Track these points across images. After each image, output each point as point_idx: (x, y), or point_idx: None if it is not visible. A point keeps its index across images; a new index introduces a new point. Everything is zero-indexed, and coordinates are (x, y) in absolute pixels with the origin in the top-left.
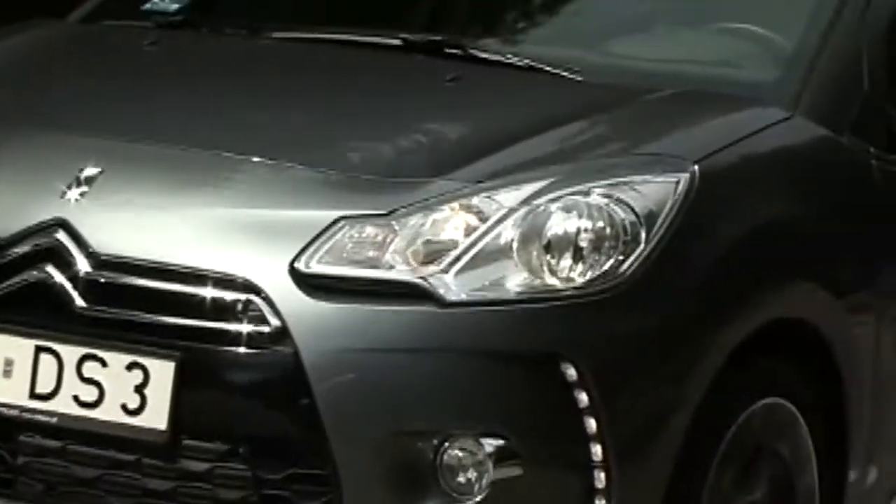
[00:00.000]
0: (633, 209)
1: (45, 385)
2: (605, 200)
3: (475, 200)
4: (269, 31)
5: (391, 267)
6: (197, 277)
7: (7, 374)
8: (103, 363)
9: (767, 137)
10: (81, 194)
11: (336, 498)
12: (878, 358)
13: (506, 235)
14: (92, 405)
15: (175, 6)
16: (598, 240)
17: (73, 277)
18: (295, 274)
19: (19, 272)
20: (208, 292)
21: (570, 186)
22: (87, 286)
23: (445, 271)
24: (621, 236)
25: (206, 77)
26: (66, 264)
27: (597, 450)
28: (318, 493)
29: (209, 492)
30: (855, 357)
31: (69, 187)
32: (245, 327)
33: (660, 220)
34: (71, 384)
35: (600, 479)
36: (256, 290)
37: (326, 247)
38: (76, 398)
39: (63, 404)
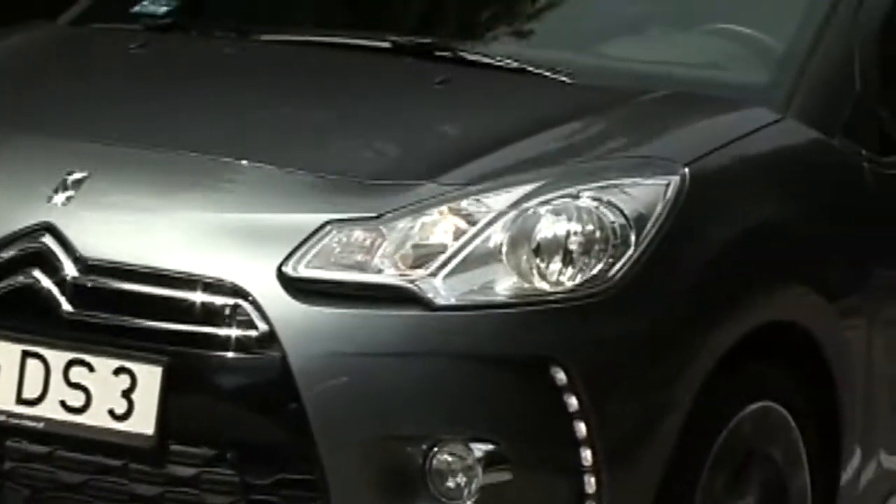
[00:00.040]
0: (622, 212)
1: (31, 390)
2: (595, 203)
3: (464, 204)
4: (258, 33)
5: (380, 271)
6: (184, 282)
7: None
8: (90, 368)
9: (758, 140)
10: (68, 198)
11: (324, 503)
12: (869, 360)
13: (495, 239)
14: (79, 410)
15: (164, 9)
16: (587, 243)
17: (60, 282)
18: (283, 278)
19: (6, 277)
20: (196, 296)
21: (559, 189)
22: (73, 291)
23: (434, 275)
24: (611, 239)
25: (193, 80)
26: (52, 269)
27: (587, 454)
28: (307, 498)
29: (196, 497)
30: (847, 360)
31: (56, 191)
32: (233, 331)
33: (650, 224)
34: (58, 389)
35: (590, 483)
36: (244, 295)
37: (314, 251)
38: (63, 403)
39: (50, 409)
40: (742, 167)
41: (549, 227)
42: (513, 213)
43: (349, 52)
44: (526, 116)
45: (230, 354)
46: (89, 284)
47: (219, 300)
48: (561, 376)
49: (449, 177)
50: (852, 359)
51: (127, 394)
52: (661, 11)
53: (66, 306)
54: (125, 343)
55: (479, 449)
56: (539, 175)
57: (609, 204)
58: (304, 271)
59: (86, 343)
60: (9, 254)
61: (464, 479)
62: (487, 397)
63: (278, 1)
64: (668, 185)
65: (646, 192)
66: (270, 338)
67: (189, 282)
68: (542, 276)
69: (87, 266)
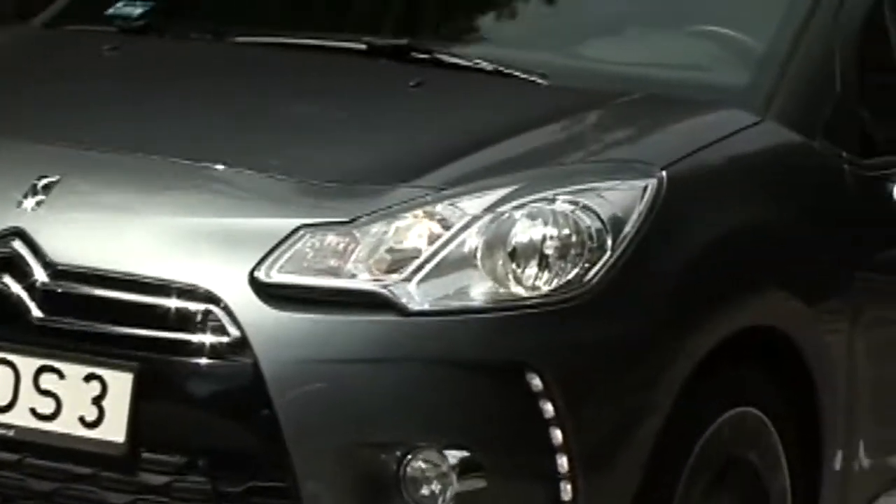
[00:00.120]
0: (599, 216)
1: (1, 397)
2: (571, 207)
3: (439, 208)
4: (233, 35)
5: (353, 276)
6: (155, 287)
7: None
8: (60, 375)
9: (737, 142)
10: (38, 203)
11: None
12: (851, 364)
13: (470, 243)
14: (49, 417)
15: (138, 11)
16: (563, 247)
17: (30, 287)
18: (255, 283)
19: None
20: (167, 302)
21: (534, 193)
22: (43, 296)
23: (408, 280)
24: (587, 244)
25: (167, 83)
26: (22, 274)
27: (563, 461)
28: None
29: None
30: (827, 363)
31: (26, 196)
32: (204, 338)
33: (626, 227)
34: (28, 396)
35: (566, 490)
36: (216, 300)
37: (287, 256)
38: (33, 410)
39: (20, 417)
40: (720, 170)
41: (524, 231)
42: (488, 218)
43: (324, 53)
44: (501, 119)
45: (202, 361)
46: (59, 290)
47: (190, 306)
48: (536, 382)
49: (423, 180)
50: (833, 362)
51: (98, 401)
52: (640, 12)
53: (36, 312)
54: (96, 349)
55: (454, 456)
56: (514, 178)
57: (585, 208)
58: (276, 276)
59: (56, 349)
60: None
61: (438, 487)
62: (462, 404)
63: (254, 3)
64: (644, 189)
65: (622, 196)
66: (242, 344)
67: (160, 287)
68: (518, 281)
69: (57, 271)
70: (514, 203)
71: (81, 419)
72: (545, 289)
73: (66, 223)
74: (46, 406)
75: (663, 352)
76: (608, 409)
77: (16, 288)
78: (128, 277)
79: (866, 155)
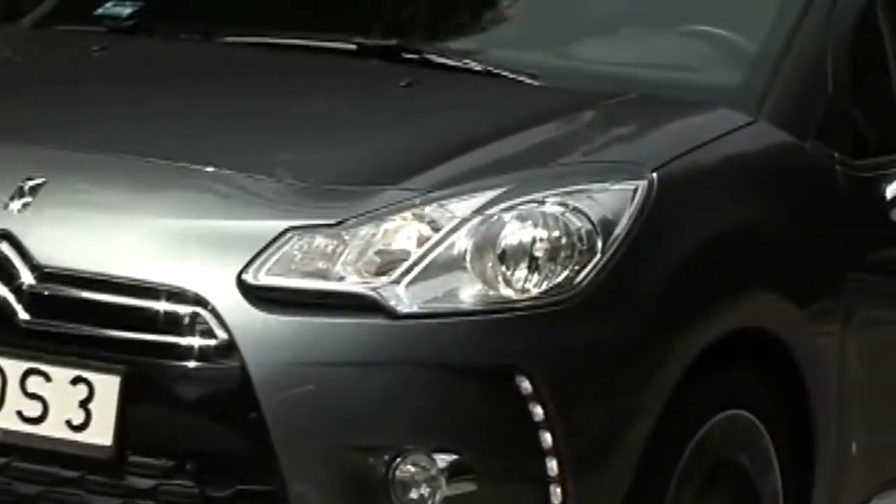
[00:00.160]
0: (589, 218)
1: None
2: (561, 209)
3: (428, 210)
4: (223, 35)
5: (341, 278)
6: (143, 290)
7: None
8: (47, 378)
9: (728, 143)
10: (25, 205)
11: None
12: (843, 366)
13: (459, 246)
14: (36, 421)
15: (127, 11)
16: (553, 249)
17: (17, 290)
18: (243, 286)
19: None
20: (154, 305)
21: (524, 195)
22: (30, 299)
23: (397, 282)
24: (577, 246)
25: (155, 83)
26: (9, 277)
27: (552, 464)
28: None
29: None
30: (819, 365)
31: (12, 198)
32: (191, 340)
33: (617, 229)
34: (14, 399)
35: (556, 493)
36: (203, 303)
37: (275, 258)
38: (20, 414)
39: (6, 420)
40: (711, 171)
41: (514, 233)
42: (477, 220)
43: (314, 54)
44: (492, 120)
45: (189, 364)
46: (46, 293)
47: (177, 309)
48: (526, 385)
49: (413, 182)
50: (825, 363)
51: (84, 404)
52: (632, 12)
53: (23, 315)
54: (82, 352)
55: (443, 459)
56: (504, 180)
57: (575, 210)
58: (264, 279)
59: (43, 352)
60: None
61: (427, 490)
62: (451, 407)
63: (243, 3)
64: (635, 191)
65: (613, 198)
66: (230, 347)
67: (147, 290)
68: (508, 284)
69: (43, 274)
70: (504, 205)
71: (68, 422)
72: (535, 291)
73: (53, 225)
74: (33, 409)
75: (653, 354)
76: (598, 412)
77: (2, 290)
78: (115, 280)
79: (858, 156)
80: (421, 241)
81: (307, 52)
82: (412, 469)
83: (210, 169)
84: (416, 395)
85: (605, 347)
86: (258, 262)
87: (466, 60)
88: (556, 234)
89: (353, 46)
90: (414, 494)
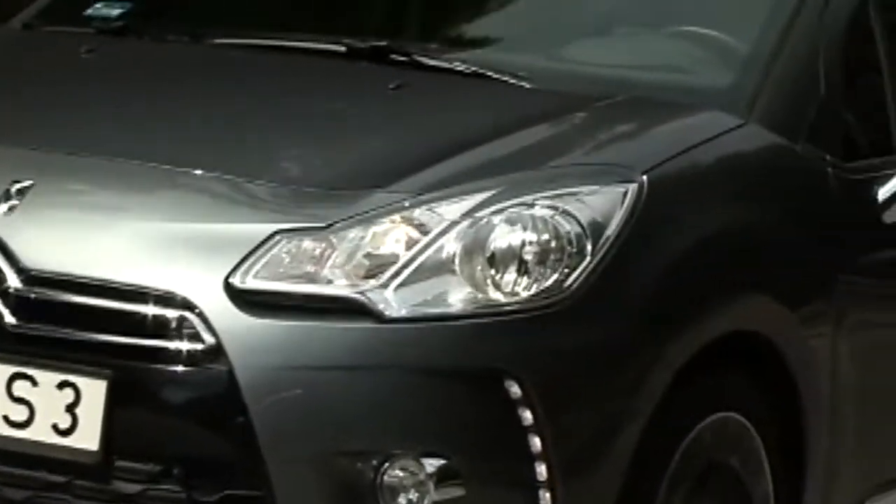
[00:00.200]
0: (578, 221)
1: None
2: (550, 212)
3: (416, 213)
4: (212, 37)
5: (329, 282)
6: (129, 293)
7: None
8: (34, 382)
9: (719, 146)
10: (11, 208)
11: None
12: (835, 368)
13: (448, 249)
14: (22, 425)
15: (116, 12)
16: (542, 253)
17: (3, 293)
18: (230, 290)
19: None
20: (141, 308)
21: (513, 198)
22: (17, 303)
23: (385, 286)
24: (567, 249)
25: (142, 85)
26: None
27: (541, 468)
28: None
29: None
30: (811, 368)
31: None
32: (178, 344)
33: (606, 232)
34: (0, 403)
35: (545, 498)
36: (190, 307)
37: (263, 261)
38: (6, 418)
39: None
40: (702, 174)
41: (503, 236)
42: (466, 223)
43: (303, 56)
44: (481, 123)
45: (176, 368)
46: (32, 296)
47: (165, 312)
48: (515, 389)
49: (401, 185)
50: (817, 366)
51: (71, 408)
52: (623, 14)
53: (9, 318)
54: (69, 356)
55: (431, 464)
56: (493, 183)
57: (565, 212)
58: (251, 283)
59: (29, 356)
60: None
61: (416, 495)
62: (440, 411)
63: (232, 5)
64: (625, 193)
65: (602, 201)
66: (217, 351)
67: (134, 294)
68: (497, 287)
69: (30, 277)
70: (493, 208)
71: (55, 427)
72: (524, 295)
73: (40, 228)
74: (19, 413)
75: (643, 358)
76: (588, 416)
77: None
78: (102, 284)
79: (850, 158)
80: (409, 244)
81: (296, 54)
82: (400, 474)
83: (198, 172)
84: (405, 400)
85: (594, 351)
86: (246, 265)
87: (456, 62)
88: (545, 237)
89: (342, 48)
90: (402, 499)
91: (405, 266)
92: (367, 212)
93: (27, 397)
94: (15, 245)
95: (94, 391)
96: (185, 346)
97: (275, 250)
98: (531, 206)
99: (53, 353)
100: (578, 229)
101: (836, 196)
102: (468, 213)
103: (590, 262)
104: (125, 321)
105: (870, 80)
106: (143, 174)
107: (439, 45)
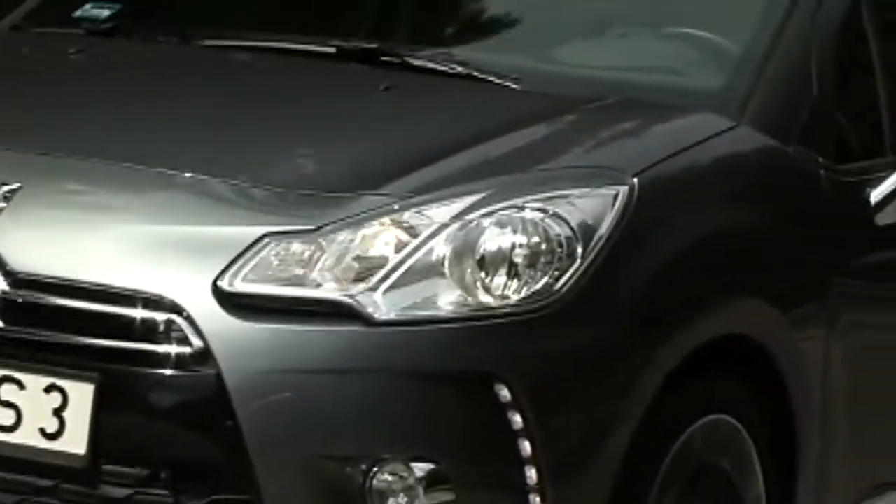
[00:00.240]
0: (568, 224)
1: None
2: (541, 215)
3: (406, 215)
4: (201, 38)
5: (318, 285)
6: (117, 297)
7: None
8: (21, 385)
9: (710, 148)
10: None
11: None
12: (828, 371)
13: (438, 252)
14: (9, 429)
15: (106, 13)
16: (533, 256)
17: None
18: (218, 293)
19: None
20: (129, 312)
21: (503, 201)
22: (4, 306)
23: (374, 289)
24: (557, 252)
25: (132, 87)
26: None
27: (531, 473)
28: None
29: None
30: (802, 371)
31: None
32: (166, 348)
33: (597, 235)
34: None
35: (535, 502)
36: (178, 310)
37: (251, 264)
38: None
39: None
40: (693, 176)
41: (493, 239)
42: (456, 226)
43: (294, 57)
44: (471, 125)
45: (164, 371)
46: (20, 300)
47: (152, 316)
48: (505, 393)
49: (391, 187)
50: (808, 369)
51: (58, 412)
52: (615, 15)
53: None
54: (56, 360)
55: (421, 468)
56: (483, 185)
57: (555, 215)
58: (240, 286)
59: (16, 360)
60: None
61: (405, 500)
62: (429, 415)
63: (222, 6)
64: (616, 196)
65: (593, 203)
66: (205, 354)
67: (122, 297)
68: (487, 290)
69: (17, 280)
70: (483, 211)
71: (42, 431)
72: (514, 298)
73: (28, 231)
74: (6, 417)
75: (634, 361)
76: (578, 420)
77: None
78: (89, 287)
79: (843, 160)
80: (399, 247)
81: (286, 55)
82: (389, 478)
83: (186, 174)
84: (394, 404)
85: (585, 354)
86: (234, 268)
87: (447, 64)
88: (535, 240)
89: (332, 50)
90: None
91: (394, 269)
92: (356, 214)
93: (14, 401)
94: (2, 248)
95: (81, 395)
96: (172, 349)
97: (263, 253)
98: (521, 208)
99: (41, 357)
100: (569, 232)
101: (829, 198)
102: (458, 216)
103: (580, 266)
104: (113, 324)
105: (862, 82)
106: (131, 176)
107: (430, 47)
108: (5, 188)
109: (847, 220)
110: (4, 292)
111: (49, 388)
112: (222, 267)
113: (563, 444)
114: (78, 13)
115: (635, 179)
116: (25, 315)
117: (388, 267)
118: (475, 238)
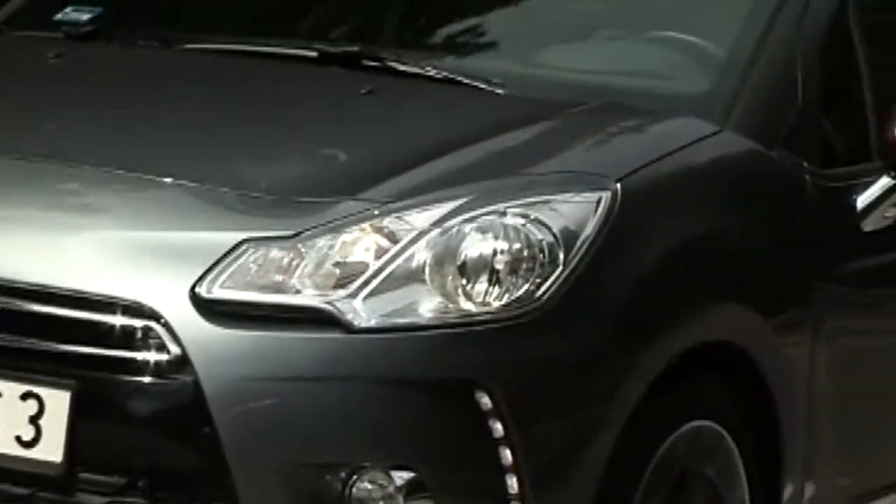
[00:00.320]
0: (550, 229)
1: None
2: (522, 221)
3: (386, 221)
4: (182, 42)
5: (298, 292)
6: (94, 303)
7: None
8: None
9: (694, 153)
10: None
11: None
12: (812, 377)
13: (418, 258)
14: None
15: (86, 17)
16: (514, 262)
17: None
18: (196, 299)
19: None
20: (106, 318)
21: (485, 206)
22: None
23: (354, 296)
24: (539, 258)
25: (110, 91)
26: None
27: (512, 481)
28: None
29: None
30: (787, 377)
31: None
32: (144, 355)
33: (579, 241)
34: None
35: None
36: (156, 317)
37: (230, 271)
38: None
39: None
40: (677, 182)
41: (474, 245)
42: (436, 232)
43: (274, 61)
44: (453, 129)
45: (141, 379)
46: None
47: (130, 322)
48: (486, 401)
49: (371, 193)
50: (792, 375)
51: (34, 420)
52: (599, 19)
53: None
54: (32, 367)
55: (401, 476)
56: (464, 191)
57: (537, 221)
58: (218, 292)
59: None
60: None
61: None
62: (409, 423)
63: (203, 9)
64: (598, 202)
65: (575, 209)
66: (183, 361)
67: (99, 303)
68: (468, 297)
69: None
70: (464, 216)
71: (18, 438)
72: (496, 304)
73: (3, 236)
74: None
75: (617, 367)
76: (559, 427)
77: None
78: (65, 293)
79: (828, 165)
80: (379, 253)
81: (267, 59)
82: (369, 486)
83: (165, 179)
84: (374, 411)
85: (566, 361)
86: (212, 274)
87: (429, 68)
88: (517, 246)
89: (313, 53)
90: None
91: (374, 275)
92: (335, 220)
93: None
94: None
95: (57, 402)
96: (150, 356)
97: (242, 259)
98: (503, 214)
99: (17, 364)
100: (551, 238)
101: (814, 203)
102: (439, 222)
103: (562, 272)
104: (90, 331)
105: (848, 86)
106: (109, 182)
107: (412, 51)
108: None
109: (832, 226)
110: None
111: (25, 396)
112: (200, 273)
113: (544, 451)
114: (58, 16)
115: (618, 184)
116: (1, 322)
117: (368, 273)
118: (456, 244)
